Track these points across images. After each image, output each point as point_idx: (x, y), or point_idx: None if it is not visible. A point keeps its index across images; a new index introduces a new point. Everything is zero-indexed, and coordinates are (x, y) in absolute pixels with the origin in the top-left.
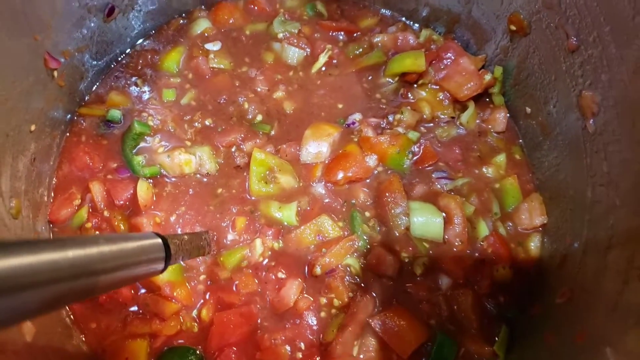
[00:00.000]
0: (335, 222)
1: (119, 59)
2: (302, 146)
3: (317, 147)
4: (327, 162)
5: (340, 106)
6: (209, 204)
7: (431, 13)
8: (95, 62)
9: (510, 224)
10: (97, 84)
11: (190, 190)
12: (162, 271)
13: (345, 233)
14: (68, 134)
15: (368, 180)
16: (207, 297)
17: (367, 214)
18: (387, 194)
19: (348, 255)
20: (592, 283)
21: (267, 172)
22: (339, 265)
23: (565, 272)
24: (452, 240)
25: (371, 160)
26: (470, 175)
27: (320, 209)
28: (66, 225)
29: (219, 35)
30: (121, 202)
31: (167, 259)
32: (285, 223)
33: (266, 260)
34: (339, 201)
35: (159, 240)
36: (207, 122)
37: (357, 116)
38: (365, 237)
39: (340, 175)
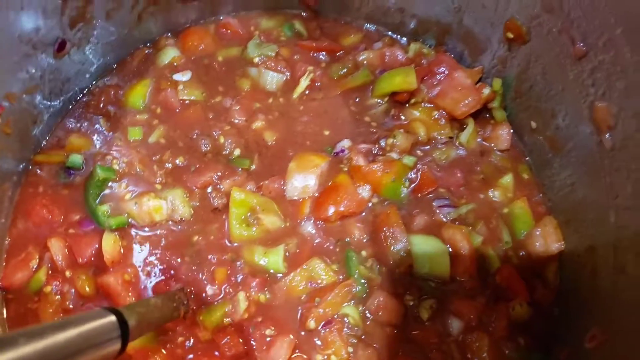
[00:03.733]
0: (328, 266)
1: (78, 97)
2: (286, 180)
3: (303, 180)
4: (315, 196)
5: (326, 133)
6: (184, 254)
7: (419, 25)
8: (49, 103)
9: (524, 252)
10: (54, 127)
11: (163, 240)
12: (120, 352)
13: (341, 277)
14: (22, 186)
15: (363, 214)
16: None
17: (364, 253)
18: (384, 229)
19: (345, 304)
20: (629, 323)
21: (249, 213)
22: (335, 316)
23: (594, 308)
24: (460, 276)
25: (364, 192)
26: (475, 200)
27: (311, 251)
28: (22, 291)
29: (188, 64)
30: (84, 260)
31: (126, 337)
32: (272, 271)
33: (252, 316)
34: (332, 240)
35: (112, 318)
36: (178, 162)
37: (346, 143)
38: (363, 281)
39: (331, 210)
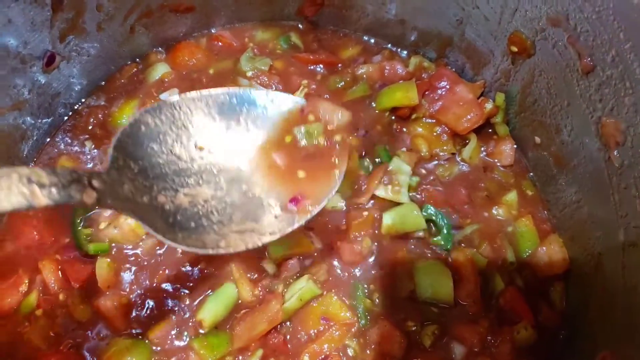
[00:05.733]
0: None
1: (67, 117)
2: None
3: None
4: None
5: None
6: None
7: (420, 37)
8: (38, 121)
9: (528, 272)
10: (43, 147)
11: (158, 256)
12: None
13: (348, 314)
14: None
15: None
16: None
17: (372, 286)
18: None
19: (346, 340)
20: None
21: None
22: (333, 352)
23: (603, 330)
24: (463, 300)
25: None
26: (480, 219)
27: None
28: (12, 316)
29: (178, 80)
30: (78, 285)
31: None
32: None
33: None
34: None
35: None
36: None
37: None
38: (366, 314)
39: None
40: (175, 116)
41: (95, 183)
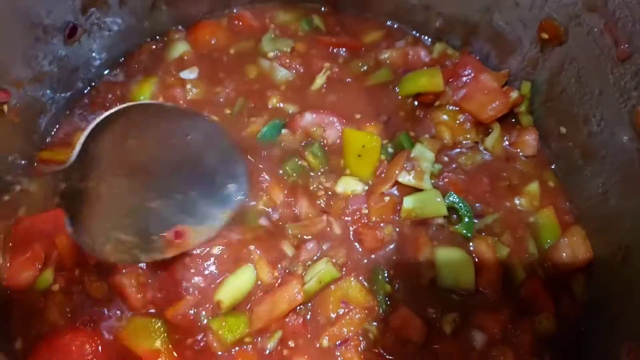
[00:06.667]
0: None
1: (85, 91)
2: None
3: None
4: None
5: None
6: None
7: (445, 24)
8: (57, 95)
9: (549, 264)
10: (61, 122)
11: None
12: None
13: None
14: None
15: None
16: None
17: (392, 272)
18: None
19: (366, 323)
20: None
21: None
22: (351, 334)
23: (626, 322)
24: (484, 289)
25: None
26: (501, 208)
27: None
28: (28, 291)
29: (198, 59)
30: (93, 262)
31: None
32: None
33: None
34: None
35: None
36: None
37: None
38: (386, 299)
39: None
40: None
41: None
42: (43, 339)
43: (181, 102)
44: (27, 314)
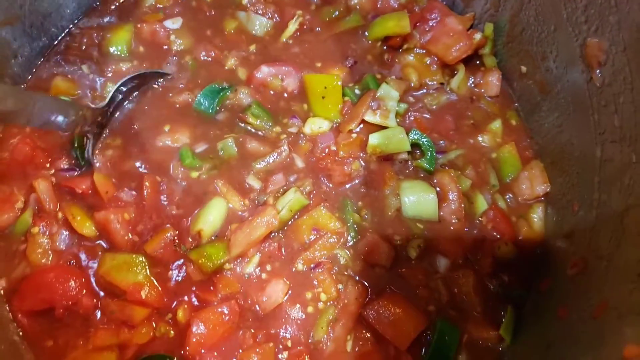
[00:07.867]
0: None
1: (60, 37)
2: None
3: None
4: None
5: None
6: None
7: None
8: (30, 40)
9: (510, 195)
10: (37, 67)
11: None
12: None
13: (337, 224)
14: (5, 125)
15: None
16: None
17: (360, 203)
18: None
19: (337, 249)
20: (608, 250)
21: None
22: (324, 258)
23: (575, 242)
24: (448, 218)
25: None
26: (465, 145)
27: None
28: (7, 233)
29: (176, 7)
30: (80, 191)
31: None
32: None
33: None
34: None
35: None
36: None
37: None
38: (355, 227)
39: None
40: None
41: None
42: (27, 278)
43: (165, 47)
44: (9, 255)
